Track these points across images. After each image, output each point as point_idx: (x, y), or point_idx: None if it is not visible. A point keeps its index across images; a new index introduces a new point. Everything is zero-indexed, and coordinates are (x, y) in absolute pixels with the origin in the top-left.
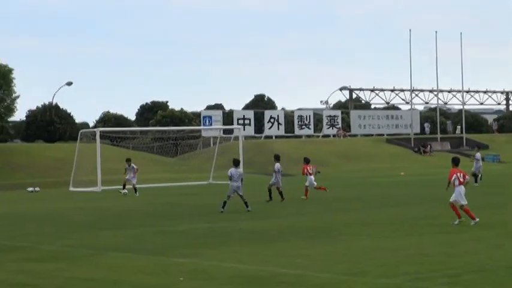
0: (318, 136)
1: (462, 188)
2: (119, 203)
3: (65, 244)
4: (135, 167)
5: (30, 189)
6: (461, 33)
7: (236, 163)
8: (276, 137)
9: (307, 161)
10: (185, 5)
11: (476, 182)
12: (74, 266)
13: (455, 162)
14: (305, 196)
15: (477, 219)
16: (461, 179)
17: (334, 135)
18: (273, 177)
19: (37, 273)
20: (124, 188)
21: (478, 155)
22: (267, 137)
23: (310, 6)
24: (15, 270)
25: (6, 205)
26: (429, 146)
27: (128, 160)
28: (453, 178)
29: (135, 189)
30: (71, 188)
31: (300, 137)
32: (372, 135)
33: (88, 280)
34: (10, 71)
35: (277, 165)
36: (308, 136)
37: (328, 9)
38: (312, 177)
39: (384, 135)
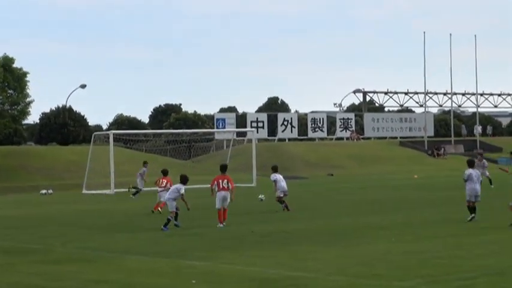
0: (331, 139)
1: None
2: (133, 205)
3: (79, 246)
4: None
5: (44, 191)
6: (475, 35)
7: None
8: (289, 139)
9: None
10: (199, 8)
11: (491, 184)
12: (89, 268)
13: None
14: None
15: None
16: None
17: (347, 138)
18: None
19: (52, 276)
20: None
21: (485, 162)
22: (280, 139)
23: (324, 8)
24: (31, 272)
25: (20, 207)
26: (443, 149)
27: (145, 163)
28: None
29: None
30: (84, 191)
31: (313, 139)
32: (386, 138)
33: (103, 282)
34: (25, 74)
35: (272, 175)
36: (321, 139)
37: (342, 11)
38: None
39: (397, 138)
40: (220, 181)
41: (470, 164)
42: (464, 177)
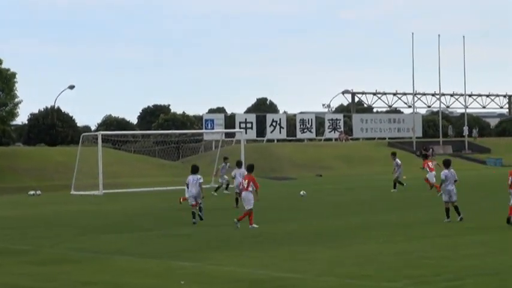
0: (320, 140)
1: None
2: (121, 206)
3: (67, 247)
4: (227, 166)
5: (32, 192)
6: (463, 36)
7: (194, 169)
8: (278, 140)
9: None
10: (187, 8)
11: (395, 188)
12: (78, 269)
13: None
14: None
15: None
16: None
17: (336, 139)
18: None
19: (42, 276)
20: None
21: (398, 161)
22: (269, 140)
23: (314, 9)
24: (20, 273)
25: (8, 209)
26: (431, 150)
27: (225, 158)
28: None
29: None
30: (73, 192)
31: (302, 140)
32: (374, 138)
33: (92, 283)
34: (13, 75)
35: (234, 171)
36: (310, 140)
37: (331, 12)
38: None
39: (386, 138)
40: (242, 180)
41: (446, 165)
42: (442, 178)
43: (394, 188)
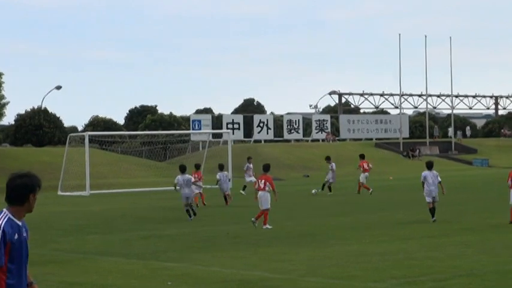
0: (307, 140)
1: None
2: (108, 207)
3: (53, 248)
4: (250, 166)
5: None
6: (450, 37)
7: (182, 169)
8: (265, 141)
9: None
10: (175, 9)
11: (330, 191)
12: (62, 270)
13: None
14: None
15: None
16: None
17: (323, 140)
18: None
19: None
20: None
21: (333, 165)
22: (256, 141)
23: (301, 10)
24: None
25: None
26: (418, 150)
27: (249, 158)
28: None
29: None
30: (59, 192)
31: (289, 141)
32: (361, 139)
33: (76, 284)
34: (0, 75)
35: (218, 174)
36: (297, 140)
37: (318, 13)
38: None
39: (373, 139)
40: (259, 180)
41: (428, 166)
42: (421, 180)
43: (330, 191)
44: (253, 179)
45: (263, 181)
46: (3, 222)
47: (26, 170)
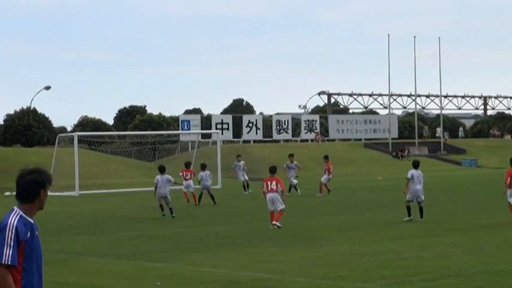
0: (296, 141)
1: None
2: (97, 207)
3: (43, 248)
4: (242, 163)
5: (8, 193)
6: (439, 38)
7: (161, 170)
8: (254, 141)
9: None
10: (164, 10)
11: (297, 190)
12: (51, 270)
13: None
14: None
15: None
16: None
17: (312, 140)
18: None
19: None
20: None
21: (291, 164)
22: (245, 141)
23: (290, 10)
24: None
25: None
26: (407, 151)
27: (238, 156)
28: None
29: (247, 185)
30: (49, 193)
31: (278, 141)
32: (350, 139)
33: (66, 284)
34: None
35: (200, 173)
36: (286, 141)
37: (307, 13)
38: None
39: (362, 139)
40: (269, 183)
41: (415, 165)
42: (408, 177)
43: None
44: (245, 176)
45: (275, 182)
46: (16, 221)
47: (34, 166)
